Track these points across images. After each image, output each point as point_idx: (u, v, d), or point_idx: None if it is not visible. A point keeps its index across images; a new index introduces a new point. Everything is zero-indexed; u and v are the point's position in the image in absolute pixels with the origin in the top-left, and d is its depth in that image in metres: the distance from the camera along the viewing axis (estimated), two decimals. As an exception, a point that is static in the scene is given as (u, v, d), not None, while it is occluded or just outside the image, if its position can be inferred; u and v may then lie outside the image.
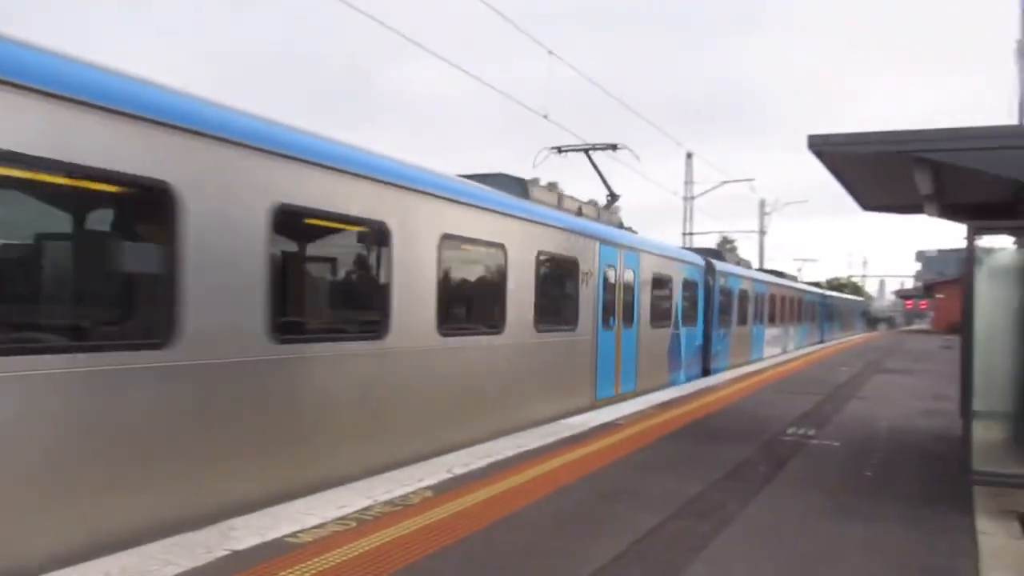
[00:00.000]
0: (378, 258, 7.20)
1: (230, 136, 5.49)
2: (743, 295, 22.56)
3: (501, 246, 9.15)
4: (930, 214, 9.81)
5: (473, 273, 8.87)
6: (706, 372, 18.37)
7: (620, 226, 14.12)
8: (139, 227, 5.04)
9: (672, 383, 15.49)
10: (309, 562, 4.81)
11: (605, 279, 12.47)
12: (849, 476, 7.95)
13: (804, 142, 6.71)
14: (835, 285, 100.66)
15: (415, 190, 7.59)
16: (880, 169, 7.47)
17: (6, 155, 4.11)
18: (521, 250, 9.57)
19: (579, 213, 12.58)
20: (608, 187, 15.10)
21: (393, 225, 7.24)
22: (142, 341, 4.82)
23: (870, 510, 6.64)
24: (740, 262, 24.09)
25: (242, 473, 5.57)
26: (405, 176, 7.52)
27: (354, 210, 6.79)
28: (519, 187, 10.99)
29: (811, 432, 10.40)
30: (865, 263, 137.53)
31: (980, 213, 9.22)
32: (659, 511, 6.33)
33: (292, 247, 6.27)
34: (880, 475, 8.06)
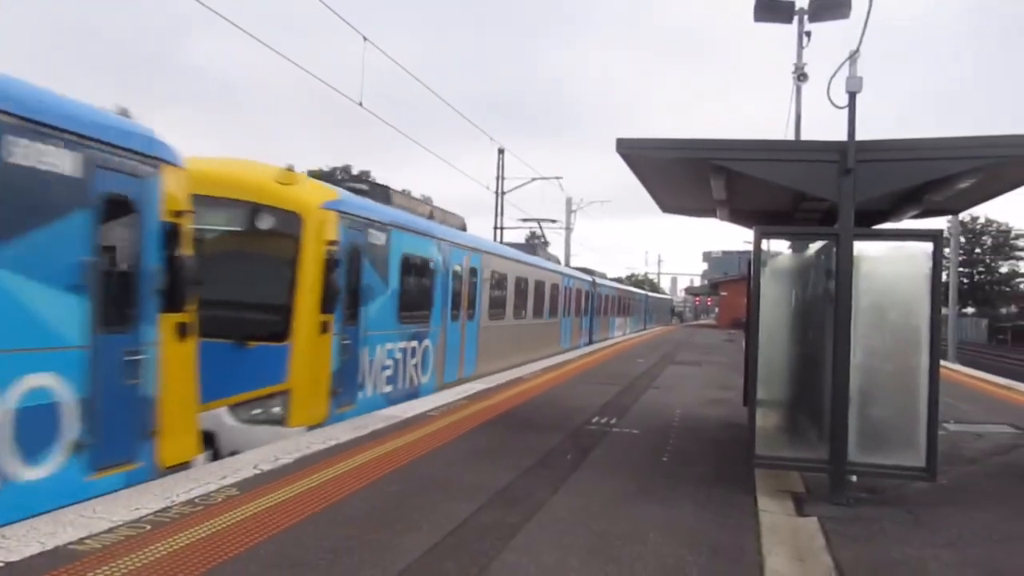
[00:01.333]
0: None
1: None
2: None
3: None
4: (722, 218, 10.53)
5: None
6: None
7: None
8: None
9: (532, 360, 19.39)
10: (94, 572, 4.46)
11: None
12: (648, 461, 8.33)
13: (610, 145, 6.97)
14: (634, 281, 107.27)
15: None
16: (679, 174, 7.92)
17: None
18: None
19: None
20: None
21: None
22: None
23: (667, 493, 7.01)
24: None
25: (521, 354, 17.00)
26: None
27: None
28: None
29: (613, 421, 10.80)
30: (660, 261, 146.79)
31: (764, 219, 10.02)
32: (472, 501, 6.35)
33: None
34: (675, 460, 8.53)
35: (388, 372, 11.27)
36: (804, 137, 15.53)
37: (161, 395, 6.37)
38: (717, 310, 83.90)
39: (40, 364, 5.46)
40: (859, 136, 6.71)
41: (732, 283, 64.49)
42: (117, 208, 6.09)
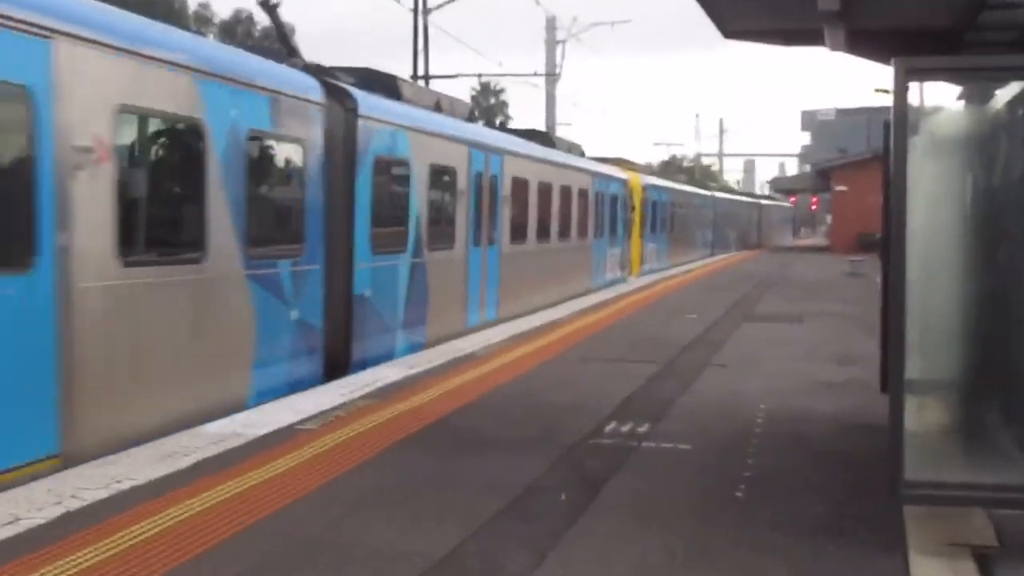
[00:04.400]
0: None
1: None
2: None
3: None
4: (833, 46, 10.43)
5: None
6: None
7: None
8: None
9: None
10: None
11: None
12: (710, 500, 8.65)
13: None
14: (680, 169, 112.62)
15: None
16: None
17: None
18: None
19: (438, 107, 20.82)
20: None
21: None
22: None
23: (743, 556, 7.28)
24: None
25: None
26: None
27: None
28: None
29: (644, 427, 11.37)
30: (722, 131, 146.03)
31: (909, 46, 9.94)
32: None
33: None
34: (758, 494, 8.82)
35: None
36: None
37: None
38: (829, 219, 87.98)
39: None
40: None
41: (855, 169, 66.51)
42: None
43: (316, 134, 15.02)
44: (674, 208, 52.78)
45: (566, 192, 30.41)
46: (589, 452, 10.25)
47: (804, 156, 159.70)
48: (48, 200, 9.64)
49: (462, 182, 21.44)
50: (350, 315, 16.28)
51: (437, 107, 21.11)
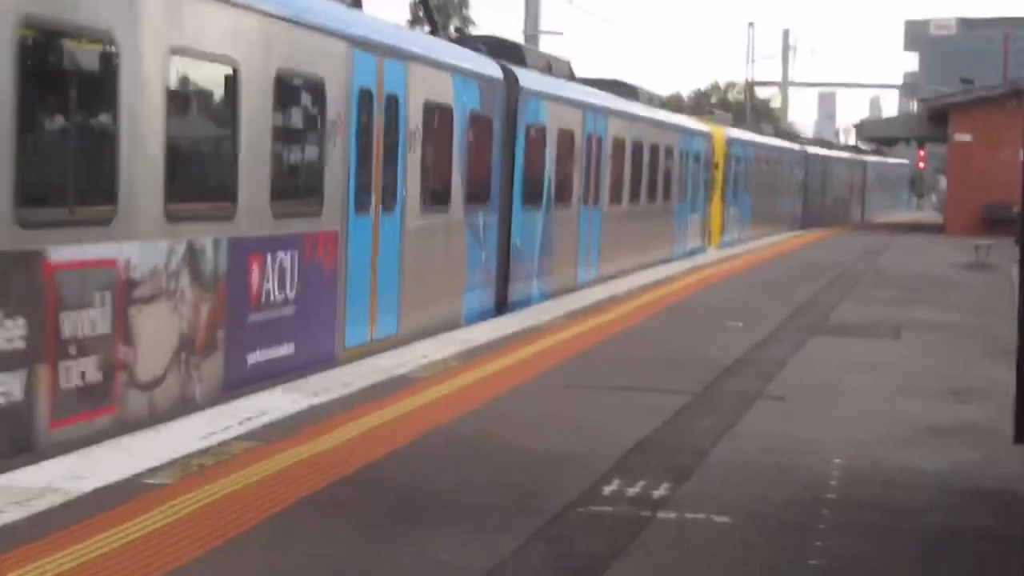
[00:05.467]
0: None
1: None
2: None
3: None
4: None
5: None
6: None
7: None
8: None
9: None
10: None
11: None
12: None
13: None
14: (718, 103, 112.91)
15: None
16: None
17: None
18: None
19: (549, 69, 32.48)
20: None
21: None
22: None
23: None
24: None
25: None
26: None
27: None
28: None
29: (659, 489, 11.32)
30: (788, 50, 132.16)
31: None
32: None
33: None
34: None
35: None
36: None
37: None
38: (943, 183, 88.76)
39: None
40: None
41: (983, 109, 65.90)
42: None
43: (499, 109, 25.98)
44: (760, 167, 58.22)
45: (654, 151, 40.39)
46: (579, 525, 10.08)
47: (909, 88, 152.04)
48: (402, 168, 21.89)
49: (578, 143, 31.77)
50: (507, 260, 27.16)
51: (548, 68, 31.32)
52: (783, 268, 41.47)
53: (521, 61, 29.07)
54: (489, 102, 25.93)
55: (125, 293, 14.09)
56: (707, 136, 47.03)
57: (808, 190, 72.77)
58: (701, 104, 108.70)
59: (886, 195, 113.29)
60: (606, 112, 34.50)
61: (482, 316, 24.89)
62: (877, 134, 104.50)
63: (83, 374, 13.18)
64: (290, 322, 18.14)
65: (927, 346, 21.91)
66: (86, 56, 13.79)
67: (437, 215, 23.63)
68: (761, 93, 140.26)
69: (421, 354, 19.16)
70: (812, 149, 78.23)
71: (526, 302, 27.45)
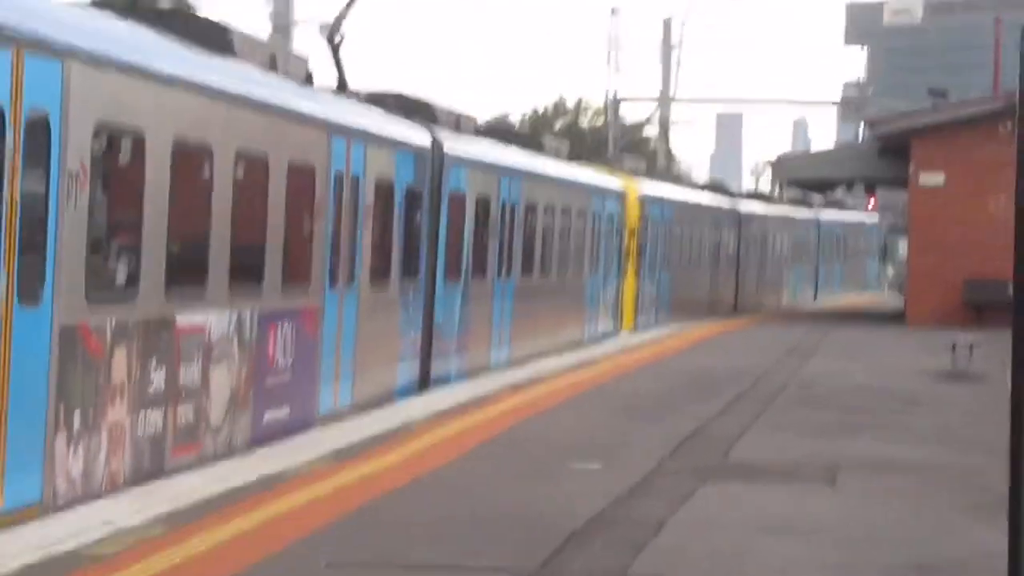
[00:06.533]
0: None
1: None
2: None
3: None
4: None
5: None
6: None
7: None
8: None
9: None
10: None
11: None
12: None
13: None
14: (561, 131, 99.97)
15: None
16: None
17: None
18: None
19: (457, 125, 34.01)
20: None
21: None
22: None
23: None
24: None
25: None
26: None
27: None
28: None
29: None
30: (670, 48, 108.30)
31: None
32: None
33: None
34: None
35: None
36: None
37: None
38: (902, 247, 73.02)
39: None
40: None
41: (961, 134, 54.12)
42: None
43: (427, 179, 28.66)
44: (682, 230, 51.08)
45: (567, 214, 41.65)
46: None
47: (850, 105, 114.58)
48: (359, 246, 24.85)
49: (494, 210, 33.95)
50: (430, 336, 29.50)
51: (457, 125, 32.51)
52: (677, 371, 35.33)
53: (432, 119, 31.32)
54: (421, 173, 28.76)
55: (208, 352, 18.99)
56: (619, 194, 44.98)
57: (742, 263, 61.61)
58: (538, 131, 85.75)
59: (847, 267, 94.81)
60: (521, 174, 37.32)
61: (408, 391, 28.53)
62: (803, 175, 76.90)
63: (187, 415, 18.19)
64: (287, 387, 21.62)
65: (877, 497, 17.72)
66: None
67: (380, 291, 26.90)
68: (631, 114, 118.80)
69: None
70: (747, 206, 66.30)
71: (446, 379, 30.85)
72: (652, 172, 63.78)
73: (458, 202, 30.78)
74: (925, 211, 51.96)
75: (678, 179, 63.61)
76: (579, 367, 35.05)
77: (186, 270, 18.95)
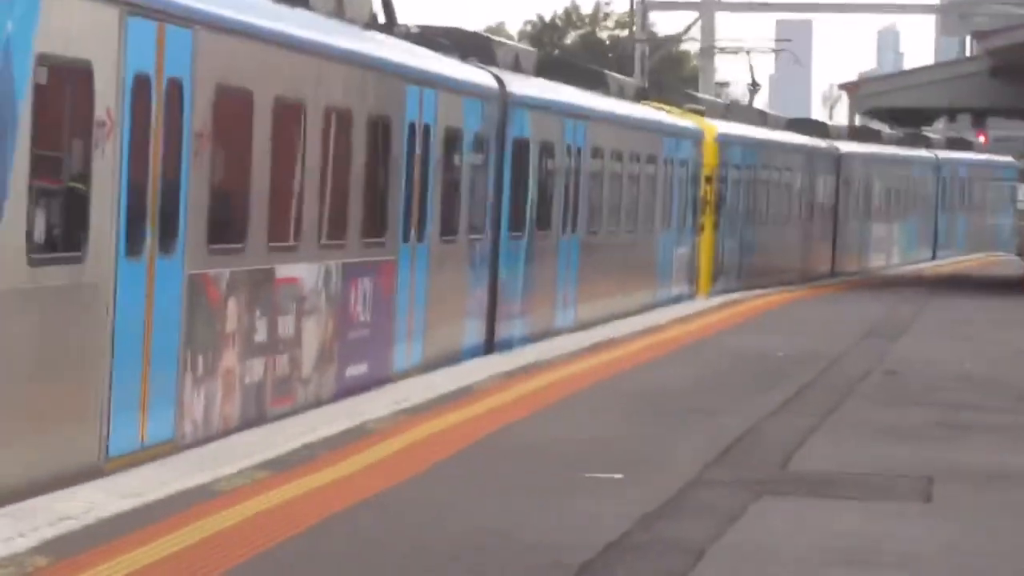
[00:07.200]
0: None
1: None
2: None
3: None
4: None
5: None
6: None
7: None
8: None
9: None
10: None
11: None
12: None
13: None
14: (576, 42, 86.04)
15: None
16: None
17: None
18: None
19: (516, 63, 35.50)
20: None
21: None
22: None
23: None
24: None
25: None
26: None
27: None
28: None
29: None
30: None
31: None
32: None
33: None
34: None
35: None
36: None
37: None
38: (1022, 194, 67.62)
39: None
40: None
41: None
42: None
43: (492, 126, 27.67)
44: (770, 176, 44.68)
45: (635, 160, 39.98)
46: None
47: (952, 9, 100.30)
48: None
49: (558, 157, 33.24)
50: (495, 291, 29.91)
51: (516, 62, 32.43)
52: (731, 352, 30.78)
53: (491, 58, 31.44)
54: (487, 120, 28.65)
55: (301, 304, 19.91)
56: (693, 135, 40.46)
57: (841, 216, 52.86)
58: (542, 43, 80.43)
59: (973, 220, 76.37)
60: (586, 116, 36.42)
61: (475, 352, 29.17)
62: (891, 103, 63.64)
63: (283, 366, 18.87)
64: (367, 342, 22.22)
65: (985, 518, 14.62)
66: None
67: (449, 245, 27.02)
68: (664, 27, 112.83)
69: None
70: (848, 146, 56.97)
71: (508, 343, 30.64)
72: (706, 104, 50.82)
73: (521, 149, 30.17)
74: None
75: (762, 115, 52.18)
76: (645, 332, 32.00)
77: (283, 224, 20.58)
